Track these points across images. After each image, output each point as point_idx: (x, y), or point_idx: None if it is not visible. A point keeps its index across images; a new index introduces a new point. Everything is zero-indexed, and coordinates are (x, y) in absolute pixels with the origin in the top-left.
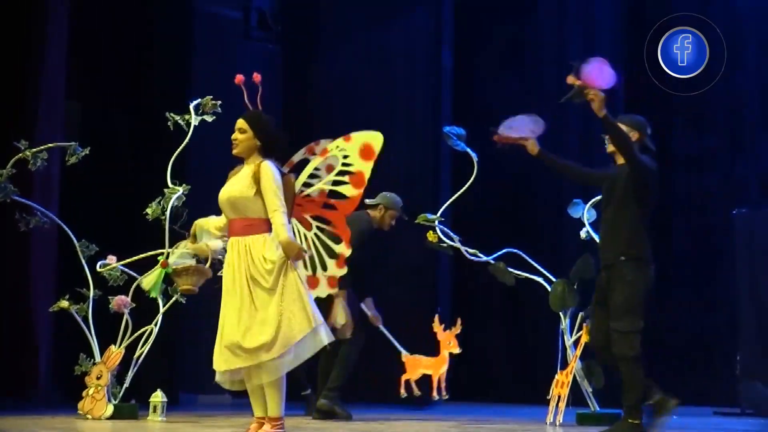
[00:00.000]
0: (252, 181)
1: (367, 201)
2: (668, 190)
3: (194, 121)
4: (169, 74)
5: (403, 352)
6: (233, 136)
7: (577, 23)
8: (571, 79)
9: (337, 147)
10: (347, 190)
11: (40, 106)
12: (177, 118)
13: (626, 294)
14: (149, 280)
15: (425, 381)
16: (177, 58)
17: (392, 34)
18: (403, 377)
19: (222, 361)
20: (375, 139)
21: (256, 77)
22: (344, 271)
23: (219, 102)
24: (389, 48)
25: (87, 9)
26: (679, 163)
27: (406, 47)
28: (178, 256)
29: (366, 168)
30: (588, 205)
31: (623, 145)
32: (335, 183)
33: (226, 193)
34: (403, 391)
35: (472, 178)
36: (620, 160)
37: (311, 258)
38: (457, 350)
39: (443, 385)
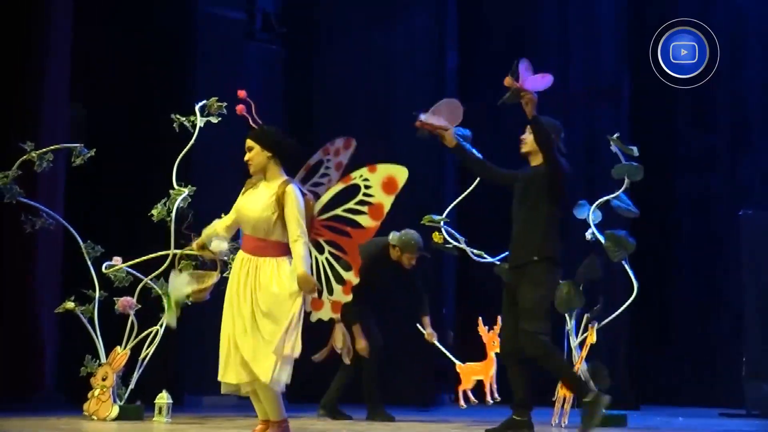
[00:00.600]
0: (275, 205)
1: (391, 238)
2: (672, 192)
3: (200, 122)
4: (174, 76)
5: (457, 363)
6: (246, 158)
7: (580, 23)
8: (508, 81)
9: (361, 176)
10: (364, 220)
11: (45, 109)
12: (182, 119)
13: (538, 295)
14: (170, 317)
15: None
16: (181, 59)
17: (395, 35)
18: (459, 388)
19: (233, 374)
20: (400, 173)
21: (241, 94)
22: (350, 298)
23: (224, 103)
24: (393, 49)
25: (90, 11)
26: (683, 165)
27: (409, 48)
28: (179, 284)
29: (387, 201)
30: (593, 206)
31: (547, 146)
32: (353, 212)
33: (246, 209)
34: (462, 403)
35: (477, 179)
36: (535, 161)
37: (318, 280)
38: (497, 350)
39: (494, 387)
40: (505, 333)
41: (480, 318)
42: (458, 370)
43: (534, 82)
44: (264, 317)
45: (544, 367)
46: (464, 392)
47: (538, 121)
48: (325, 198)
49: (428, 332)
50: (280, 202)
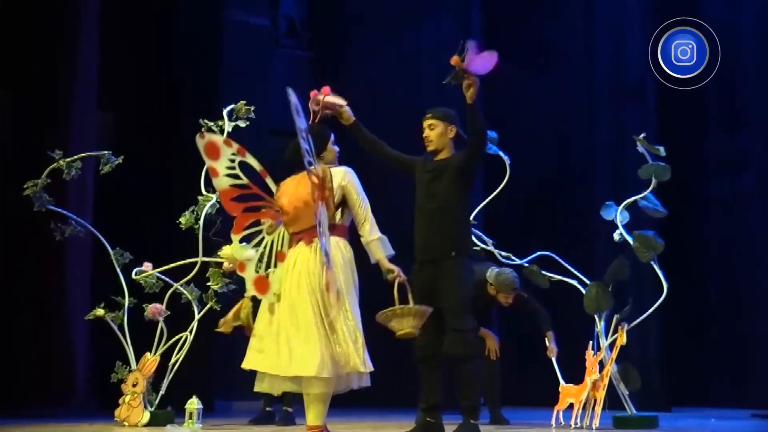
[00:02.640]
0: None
1: (488, 275)
2: (701, 191)
3: (228, 127)
4: (200, 82)
5: (561, 383)
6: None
7: (606, 23)
8: (454, 60)
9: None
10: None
11: (73, 117)
12: (211, 124)
13: (462, 292)
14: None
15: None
16: (207, 66)
17: (420, 40)
18: (555, 408)
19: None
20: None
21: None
22: None
23: (252, 107)
24: (418, 54)
25: (118, 20)
26: (711, 163)
27: (435, 51)
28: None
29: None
30: (621, 207)
31: (481, 136)
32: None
33: None
34: (552, 422)
35: (504, 181)
36: (441, 155)
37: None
38: (595, 376)
39: (579, 413)
40: (426, 334)
41: (590, 342)
42: (560, 389)
43: (479, 64)
44: (309, 304)
45: (461, 368)
46: (557, 412)
47: (474, 109)
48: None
49: (551, 347)
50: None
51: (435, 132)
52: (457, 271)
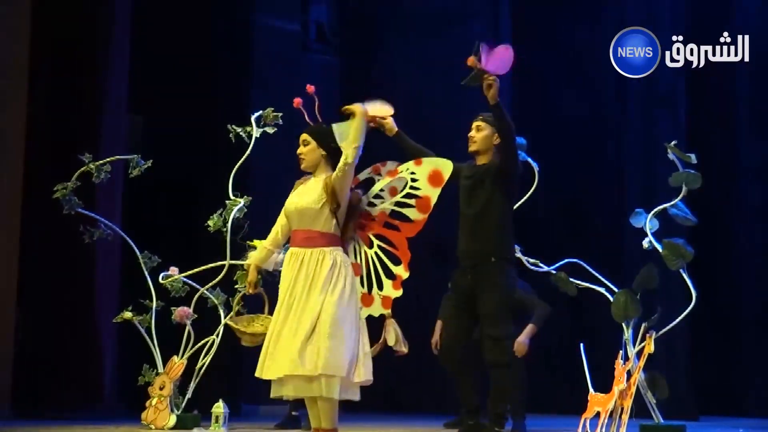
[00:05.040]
0: (322, 193)
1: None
2: (731, 199)
3: (256, 132)
4: (230, 87)
5: (591, 390)
6: (298, 151)
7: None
8: (471, 62)
9: (407, 169)
10: (412, 213)
11: (103, 120)
12: (239, 130)
13: (500, 299)
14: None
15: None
16: (237, 71)
17: (451, 46)
18: (583, 416)
19: (286, 367)
20: (445, 166)
21: (310, 89)
22: (400, 293)
23: (280, 114)
24: (448, 59)
25: (148, 24)
26: (742, 171)
27: (464, 58)
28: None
29: (433, 194)
30: (650, 214)
31: (509, 136)
32: (401, 205)
33: (293, 203)
34: (579, 431)
35: (533, 188)
36: (482, 160)
37: (368, 276)
38: (622, 386)
39: (605, 421)
40: (454, 338)
41: (620, 351)
42: (589, 398)
43: (497, 63)
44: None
45: (496, 377)
46: (584, 421)
47: (498, 109)
48: (373, 192)
49: (520, 340)
50: (327, 189)
51: (481, 134)
52: (497, 277)
